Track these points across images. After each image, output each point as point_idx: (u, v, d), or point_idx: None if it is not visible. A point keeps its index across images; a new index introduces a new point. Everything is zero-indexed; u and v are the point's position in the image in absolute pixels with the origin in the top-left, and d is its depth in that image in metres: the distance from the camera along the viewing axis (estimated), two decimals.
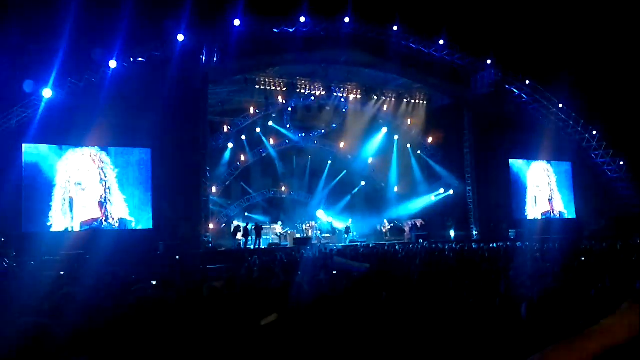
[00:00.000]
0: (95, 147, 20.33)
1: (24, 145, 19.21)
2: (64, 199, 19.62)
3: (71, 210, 19.69)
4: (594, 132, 27.72)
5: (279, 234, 25.35)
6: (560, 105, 27.19)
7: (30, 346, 2.39)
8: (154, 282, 6.22)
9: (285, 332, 3.33)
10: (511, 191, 27.64)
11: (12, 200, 18.34)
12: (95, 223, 20.03)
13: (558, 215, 28.72)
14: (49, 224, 19.27)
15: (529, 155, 27.82)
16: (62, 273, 9.66)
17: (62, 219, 19.54)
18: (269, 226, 26.21)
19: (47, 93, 18.57)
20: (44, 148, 19.71)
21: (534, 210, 28.23)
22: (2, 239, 18.52)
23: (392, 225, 28.28)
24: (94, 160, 20.33)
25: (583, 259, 10.71)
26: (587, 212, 28.72)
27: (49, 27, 18.52)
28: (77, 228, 19.67)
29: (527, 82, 26.45)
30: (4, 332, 2.57)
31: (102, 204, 20.22)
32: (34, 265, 13.33)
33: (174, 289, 5.86)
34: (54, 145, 19.86)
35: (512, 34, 26.38)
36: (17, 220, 18.81)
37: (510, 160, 27.82)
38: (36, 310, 3.85)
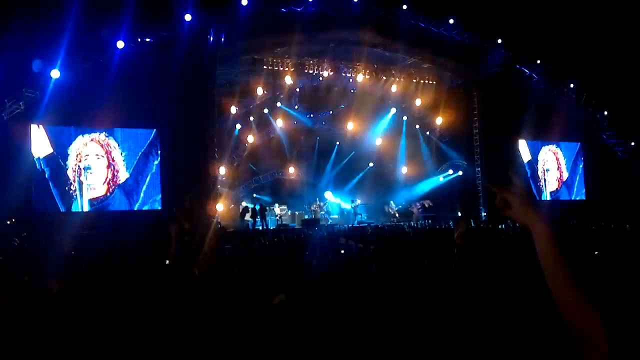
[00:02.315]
0: (103, 132, 20.42)
1: (32, 125, 19.30)
2: (74, 181, 19.77)
3: (80, 191, 19.83)
4: (605, 113, 27.44)
5: (278, 215, 25.34)
6: (572, 86, 26.88)
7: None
8: (167, 262, 6.24)
9: (294, 310, 3.34)
10: (520, 172, 27.49)
11: (21, 181, 18.48)
12: (105, 200, 20.18)
13: (567, 197, 28.59)
14: (59, 205, 19.44)
15: (539, 136, 27.59)
16: (72, 253, 9.77)
17: (72, 200, 19.70)
18: (273, 207, 26.29)
19: (55, 74, 18.57)
20: (52, 129, 19.79)
21: (542, 192, 28.11)
22: (13, 220, 18.71)
23: (398, 207, 28.28)
24: (102, 145, 20.42)
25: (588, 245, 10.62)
26: (597, 194, 28.55)
27: (57, 6, 18.43)
28: (86, 209, 19.85)
29: (538, 62, 26.14)
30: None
31: (110, 185, 20.36)
32: (45, 245, 13.46)
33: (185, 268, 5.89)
34: (62, 126, 19.94)
35: (523, 13, 25.97)
36: (28, 201, 18.97)
37: (520, 141, 27.64)
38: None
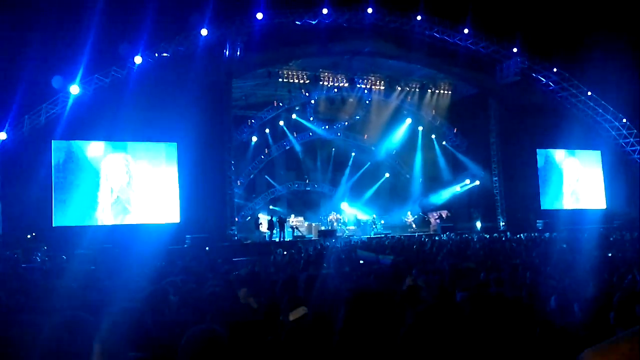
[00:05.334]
0: (123, 147, 20.71)
1: (52, 141, 19.61)
2: (96, 195, 20.04)
3: (100, 205, 20.07)
4: (624, 120, 27.07)
5: (293, 226, 25.23)
6: (589, 93, 26.57)
7: (66, 339, 2.43)
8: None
9: (314, 325, 3.33)
10: (538, 181, 27.20)
11: (41, 196, 18.72)
12: (125, 214, 20.40)
13: (587, 206, 28.15)
14: (79, 218, 19.68)
15: (557, 144, 27.31)
16: (93, 268, 9.87)
17: (92, 214, 19.94)
18: (296, 219, 26.27)
19: (74, 89, 18.87)
20: (70, 143, 20.09)
21: (562, 201, 27.74)
22: (33, 234, 18.95)
23: (415, 217, 28.14)
24: (122, 160, 20.71)
25: (610, 255, 10.45)
26: (617, 202, 28.07)
27: (76, 22, 18.78)
28: (105, 222, 20.03)
29: (555, 69, 25.92)
30: (40, 326, 2.63)
31: (128, 198, 20.59)
32: (66, 260, 13.62)
33: (203, 281, 5.95)
34: (81, 140, 20.24)
35: (538, 20, 25.83)
36: (48, 216, 19.22)
37: (538, 150, 27.35)
38: (72, 304, 3.93)
